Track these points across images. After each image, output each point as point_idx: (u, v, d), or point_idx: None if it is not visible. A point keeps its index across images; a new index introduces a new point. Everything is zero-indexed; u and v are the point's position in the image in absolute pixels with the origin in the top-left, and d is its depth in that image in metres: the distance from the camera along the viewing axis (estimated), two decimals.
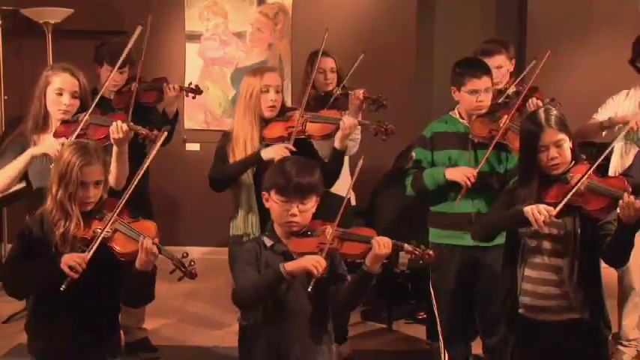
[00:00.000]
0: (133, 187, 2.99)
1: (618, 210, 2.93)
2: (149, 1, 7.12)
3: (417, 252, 2.85)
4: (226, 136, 3.96)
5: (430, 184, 3.91)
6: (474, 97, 3.87)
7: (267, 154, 3.76)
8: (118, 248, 2.91)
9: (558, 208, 2.99)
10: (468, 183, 3.78)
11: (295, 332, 2.93)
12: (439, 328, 4.08)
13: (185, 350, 5.02)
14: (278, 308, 2.92)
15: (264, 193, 3.03)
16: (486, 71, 3.92)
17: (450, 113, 4.03)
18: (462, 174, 3.80)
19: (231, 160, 3.88)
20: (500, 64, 4.37)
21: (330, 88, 4.73)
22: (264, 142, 3.85)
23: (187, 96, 4.74)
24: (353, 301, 3.03)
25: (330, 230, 2.90)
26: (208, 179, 3.98)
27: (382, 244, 2.79)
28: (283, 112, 3.93)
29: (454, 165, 3.91)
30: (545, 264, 3.16)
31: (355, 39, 6.97)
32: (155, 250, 2.82)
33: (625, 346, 4.74)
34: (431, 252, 2.87)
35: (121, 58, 3.94)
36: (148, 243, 2.82)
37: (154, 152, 3.04)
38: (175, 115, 4.56)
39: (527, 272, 3.19)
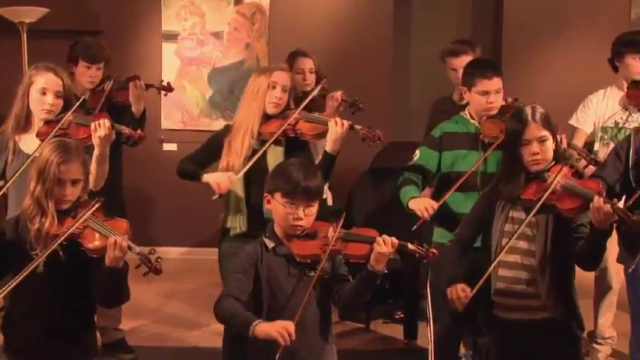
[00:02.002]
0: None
1: (589, 213, 2.95)
2: (126, 1, 7.10)
3: (420, 251, 2.86)
4: (227, 128, 3.95)
5: (403, 202, 3.90)
6: (484, 98, 3.85)
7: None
8: (87, 244, 2.89)
9: None
10: (425, 215, 3.72)
11: (300, 335, 2.84)
12: (430, 328, 4.06)
13: (162, 351, 5.00)
14: (282, 313, 2.88)
15: (266, 194, 3.00)
16: (497, 72, 3.90)
17: (461, 114, 4.01)
18: (423, 206, 3.74)
19: (225, 150, 3.85)
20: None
21: (308, 88, 4.71)
22: (261, 138, 3.83)
23: (159, 93, 4.72)
24: (357, 300, 3.01)
25: (332, 232, 2.90)
26: (179, 161, 3.95)
27: (383, 243, 2.81)
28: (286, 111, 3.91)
29: (463, 162, 3.87)
30: (519, 263, 3.18)
31: (332, 39, 6.98)
32: (124, 244, 2.80)
33: (600, 344, 4.77)
34: (435, 250, 2.89)
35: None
36: (117, 239, 2.80)
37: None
38: (143, 113, 4.54)
39: (502, 272, 3.20)
